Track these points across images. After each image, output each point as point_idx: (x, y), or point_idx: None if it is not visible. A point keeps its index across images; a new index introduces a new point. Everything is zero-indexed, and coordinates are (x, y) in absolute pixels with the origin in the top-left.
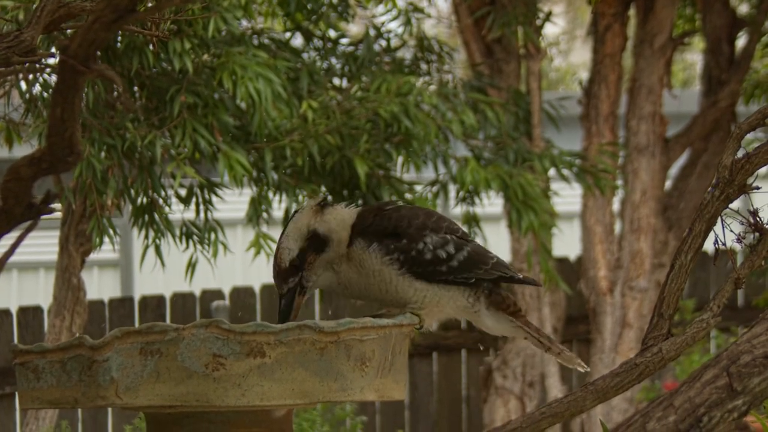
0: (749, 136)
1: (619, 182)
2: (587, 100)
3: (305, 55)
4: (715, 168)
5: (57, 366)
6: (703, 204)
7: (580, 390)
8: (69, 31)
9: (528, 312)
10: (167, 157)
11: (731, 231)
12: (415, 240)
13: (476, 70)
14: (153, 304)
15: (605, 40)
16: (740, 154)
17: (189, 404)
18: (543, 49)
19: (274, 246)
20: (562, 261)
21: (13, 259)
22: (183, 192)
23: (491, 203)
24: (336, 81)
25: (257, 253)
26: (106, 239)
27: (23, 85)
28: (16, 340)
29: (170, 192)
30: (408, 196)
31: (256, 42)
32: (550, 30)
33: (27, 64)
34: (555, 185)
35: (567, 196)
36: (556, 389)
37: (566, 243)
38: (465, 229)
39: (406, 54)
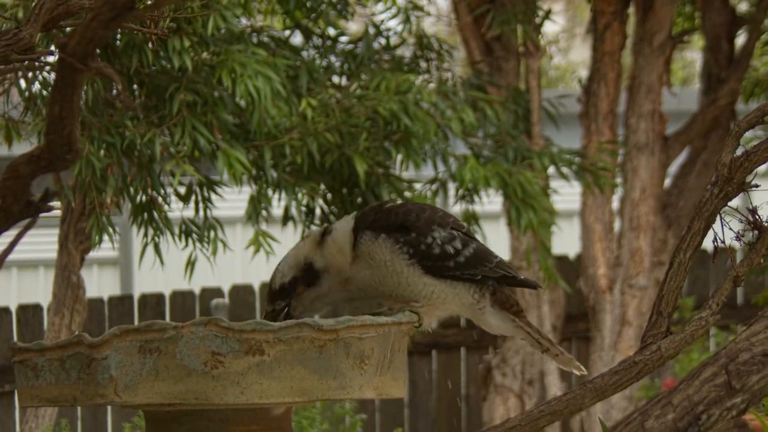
0: (748, 134)
1: (619, 180)
2: (586, 98)
3: (304, 53)
4: (714, 166)
5: (56, 364)
6: (702, 202)
7: (579, 388)
8: (68, 28)
9: (527, 310)
10: (166, 155)
11: (730, 229)
12: (424, 234)
13: (476, 68)
14: (152, 302)
15: (604, 38)
16: (739, 152)
17: (188, 402)
18: (542, 47)
19: (273, 244)
20: (562, 259)
21: (13, 256)
22: (182, 190)
23: (490, 201)
24: (335, 79)
25: (256, 251)
26: (106, 237)
27: (22, 83)
28: (15, 338)
29: (169, 190)
30: (407, 194)
31: (255, 40)
32: (550, 28)
33: (26, 62)
34: (554, 183)
35: (566, 194)
36: (555, 387)
37: (565, 241)
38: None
39: (406, 52)
